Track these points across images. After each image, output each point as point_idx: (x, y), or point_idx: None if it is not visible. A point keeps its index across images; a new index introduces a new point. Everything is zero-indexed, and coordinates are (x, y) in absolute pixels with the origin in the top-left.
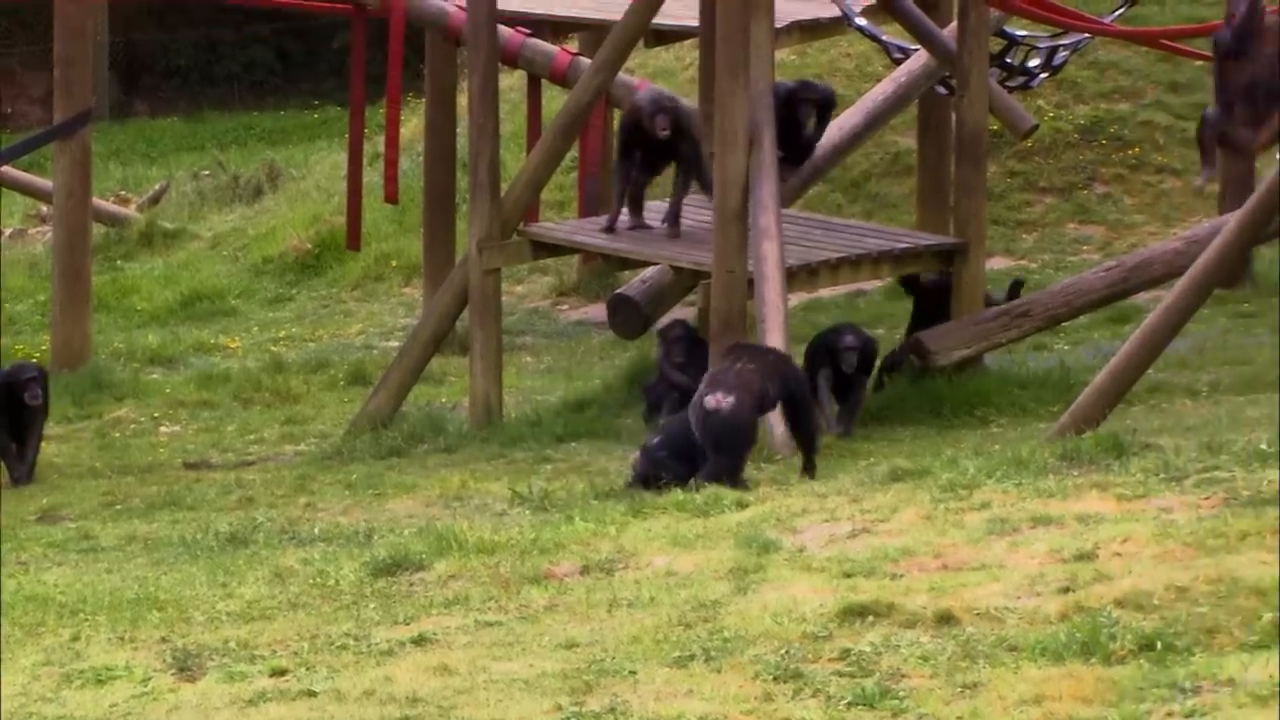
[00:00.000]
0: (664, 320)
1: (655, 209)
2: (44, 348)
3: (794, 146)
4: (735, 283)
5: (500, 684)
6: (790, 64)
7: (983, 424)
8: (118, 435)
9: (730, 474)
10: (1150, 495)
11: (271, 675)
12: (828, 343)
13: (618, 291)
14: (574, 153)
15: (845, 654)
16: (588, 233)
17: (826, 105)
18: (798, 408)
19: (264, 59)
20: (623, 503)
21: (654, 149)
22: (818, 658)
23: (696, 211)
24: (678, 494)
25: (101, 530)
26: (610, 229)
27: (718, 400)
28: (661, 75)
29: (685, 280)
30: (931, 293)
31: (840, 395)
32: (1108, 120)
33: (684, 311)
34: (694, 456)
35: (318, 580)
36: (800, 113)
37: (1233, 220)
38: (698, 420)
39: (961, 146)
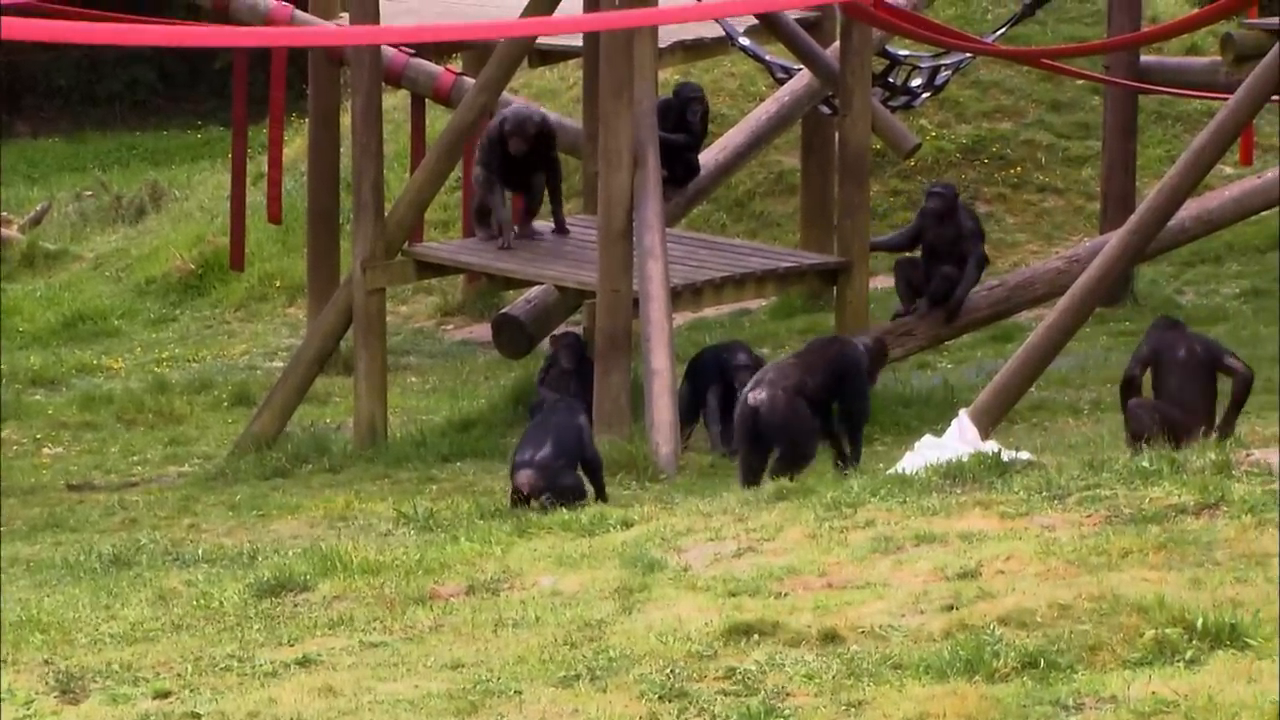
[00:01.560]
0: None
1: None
2: None
3: (678, 165)
4: (620, 302)
5: (385, 705)
6: (673, 84)
7: (867, 442)
8: None
9: (792, 464)
10: (1033, 513)
11: (155, 697)
12: (719, 360)
13: (502, 311)
14: (458, 172)
15: (730, 673)
16: (472, 252)
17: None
18: (844, 398)
19: (146, 78)
20: (508, 522)
21: (516, 164)
22: (703, 677)
23: (582, 231)
24: (563, 513)
25: None
26: (506, 246)
27: (755, 396)
28: (545, 95)
29: (570, 300)
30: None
31: (727, 413)
32: (990, 139)
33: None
34: (583, 450)
35: (201, 601)
36: (689, 112)
37: (1114, 239)
38: (739, 418)
39: (845, 166)
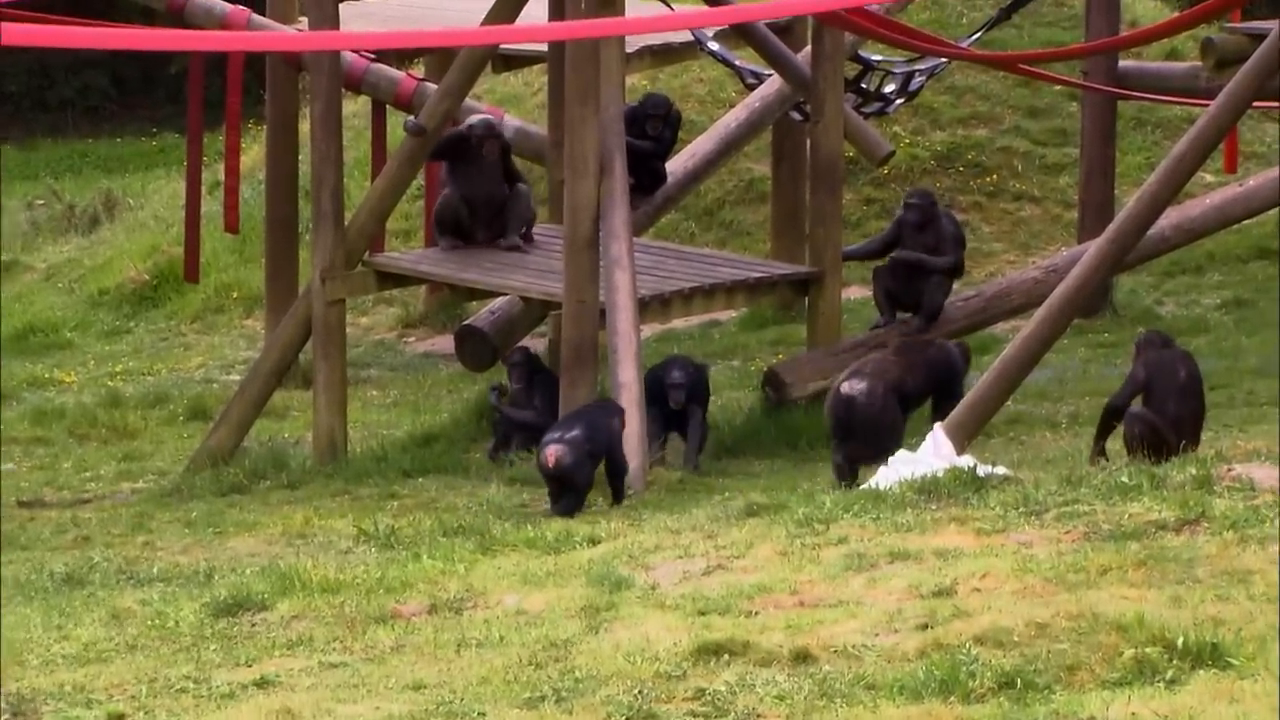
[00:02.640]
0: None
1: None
2: None
3: (645, 173)
4: (587, 313)
5: None
6: (641, 89)
7: None
8: None
9: (873, 458)
10: (1010, 529)
11: None
12: (656, 378)
13: (465, 323)
14: (420, 180)
15: (700, 694)
16: (434, 262)
17: (674, 122)
18: (943, 399)
19: (99, 84)
20: (471, 540)
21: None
22: (671, 698)
23: (548, 240)
24: (528, 530)
25: None
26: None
27: (851, 386)
28: (510, 101)
29: (535, 311)
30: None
31: (680, 430)
32: (965, 146)
33: (535, 343)
34: (612, 452)
35: (156, 621)
36: (648, 127)
37: (1092, 248)
38: (832, 408)
39: (816, 173)
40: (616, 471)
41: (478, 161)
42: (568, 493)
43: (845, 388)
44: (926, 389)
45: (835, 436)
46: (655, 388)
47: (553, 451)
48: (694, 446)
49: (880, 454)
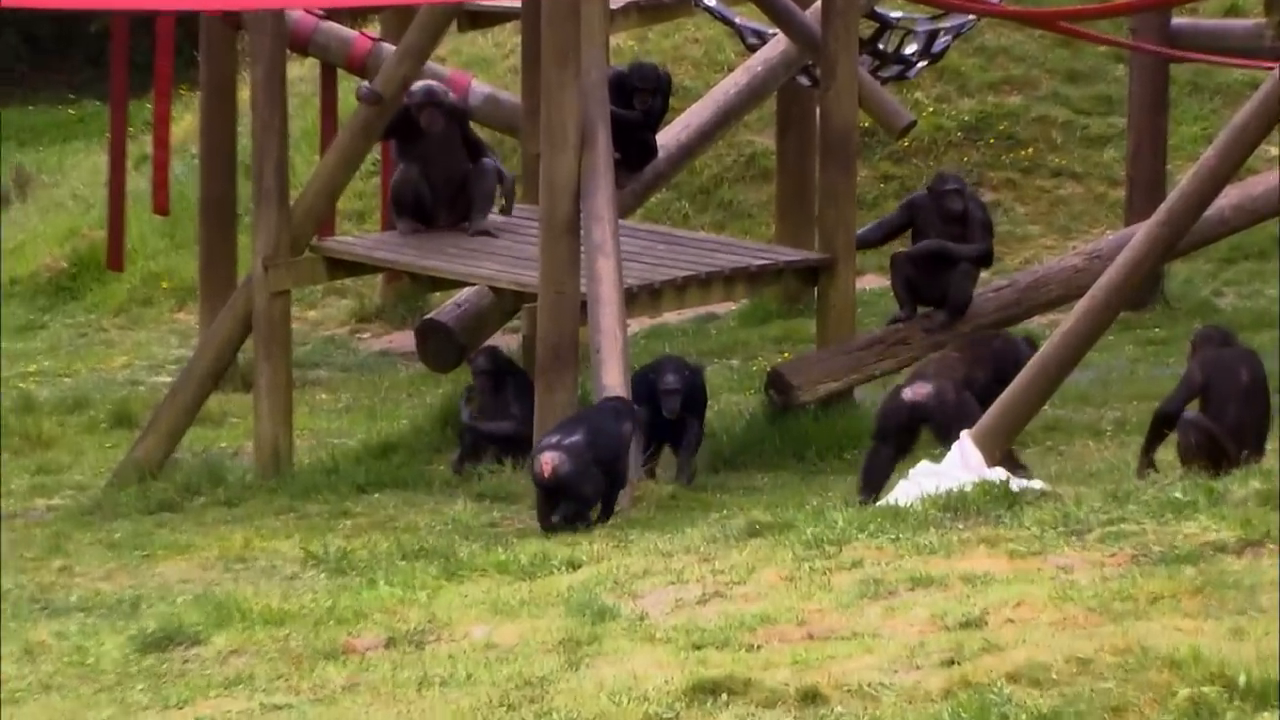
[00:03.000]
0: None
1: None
2: None
3: (633, 146)
4: (565, 305)
5: None
6: (628, 50)
7: (853, 469)
8: None
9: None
10: (1047, 551)
11: None
12: (647, 382)
13: (428, 317)
14: (376, 154)
15: None
16: (392, 247)
17: (664, 91)
18: None
19: (9, 44)
20: (434, 564)
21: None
22: None
23: (521, 223)
24: (499, 552)
25: None
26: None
27: (915, 391)
28: (478, 64)
29: (507, 303)
30: None
31: (674, 440)
32: (996, 116)
33: (507, 340)
34: (616, 463)
35: (75, 657)
36: (635, 101)
37: (1141, 232)
38: (888, 413)
39: (827, 147)
40: (613, 484)
41: (427, 135)
42: (566, 504)
43: (909, 393)
44: (993, 386)
45: (883, 440)
46: (645, 393)
47: (549, 460)
48: (687, 457)
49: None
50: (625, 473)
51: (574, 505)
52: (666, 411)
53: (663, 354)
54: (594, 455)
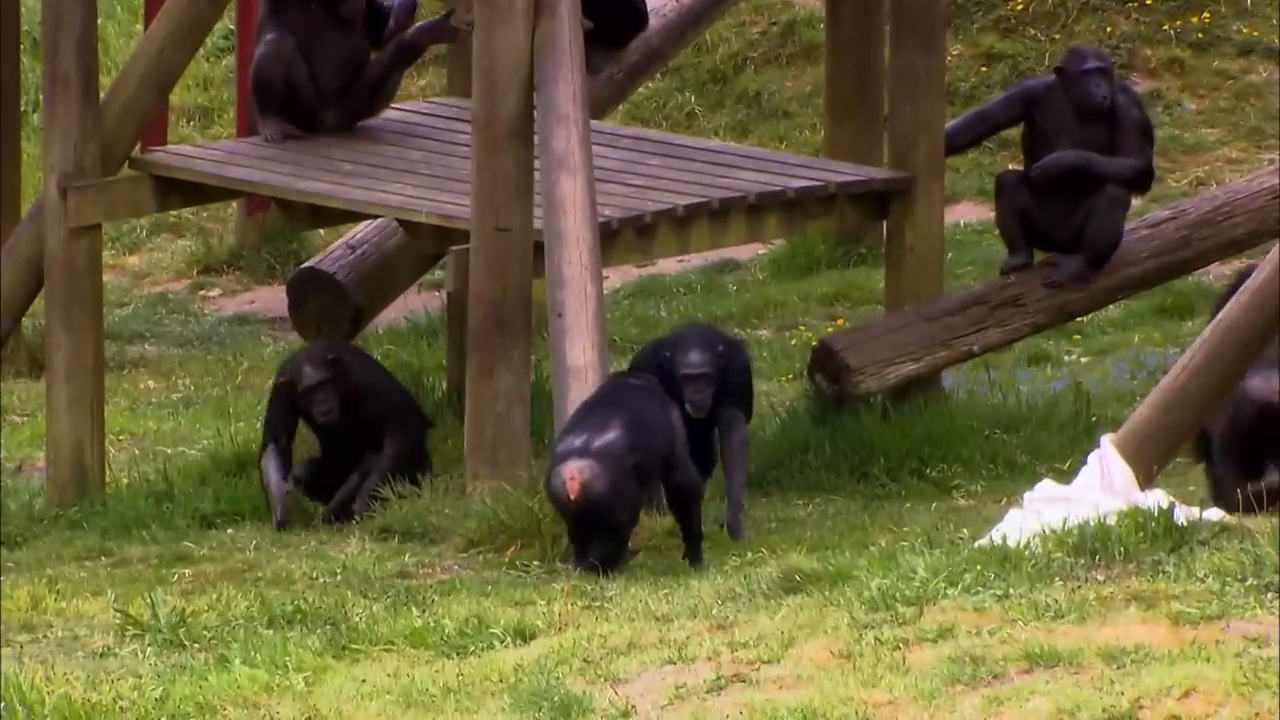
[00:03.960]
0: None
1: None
2: None
3: (611, 11)
4: (511, 248)
5: None
6: None
7: (941, 492)
8: None
9: None
10: (1229, 615)
11: None
12: (662, 364)
13: (306, 265)
14: (228, 22)
15: None
16: (252, 161)
17: None
18: None
19: None
20: (316, 633)
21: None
22: None
23: (446, 124)
24: (412, 616)
25: None
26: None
27: (1268, 384)
28: None
29: (425, 245)
30: None
31: (701, 454)
32: None
33: (426, 300)
34: (669, 465)
35: None
36: None
37: None
38: (1236, 421)
39: (902, 12)
40: (684, 500)
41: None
42: (602, 539)
43: (1258, 385)
44: None
45: (1234, 458)
46: (659, 381)
47: (574, 472)
48: (736, 486)
49: None
50: (694, 481)
51: (609, 541)
52: (692, 409)
53: (688, 323)
54: (638, 460)
